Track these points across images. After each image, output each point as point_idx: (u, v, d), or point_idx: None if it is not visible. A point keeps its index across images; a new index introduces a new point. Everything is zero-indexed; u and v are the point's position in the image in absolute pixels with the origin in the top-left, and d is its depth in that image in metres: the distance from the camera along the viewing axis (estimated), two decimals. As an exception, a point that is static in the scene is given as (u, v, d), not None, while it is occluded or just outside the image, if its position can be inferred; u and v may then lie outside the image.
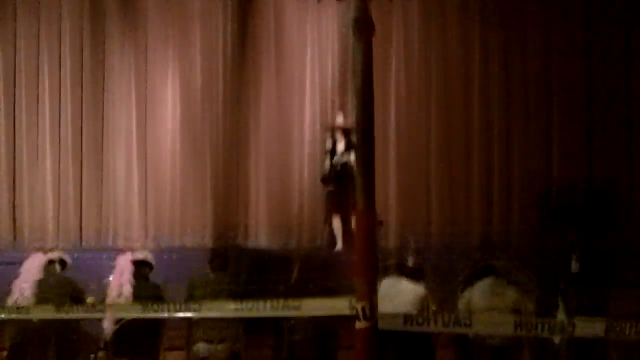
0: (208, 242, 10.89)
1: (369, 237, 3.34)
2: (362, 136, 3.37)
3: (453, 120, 11.37)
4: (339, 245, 10.43)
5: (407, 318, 4.58)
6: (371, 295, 3.35)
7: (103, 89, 11.19)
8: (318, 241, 10.98)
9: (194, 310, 4.15)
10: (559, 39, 11.32)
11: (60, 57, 11.14)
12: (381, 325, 3.73)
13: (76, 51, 11.15)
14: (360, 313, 3.37)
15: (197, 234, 11.03)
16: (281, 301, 4.00)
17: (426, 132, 11.35)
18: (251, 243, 11.05)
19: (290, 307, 4.08)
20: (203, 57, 11.29)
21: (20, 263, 8.27)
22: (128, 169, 11.18)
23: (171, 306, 4.87)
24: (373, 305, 3.35)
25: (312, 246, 10.90)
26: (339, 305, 3.90)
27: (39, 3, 11.15)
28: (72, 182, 11.08)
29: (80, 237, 10.95)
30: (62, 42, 11.14)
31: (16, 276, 7.30)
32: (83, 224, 11.06)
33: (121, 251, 7.65)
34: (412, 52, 11.40)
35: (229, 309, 3.90)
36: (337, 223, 10.50)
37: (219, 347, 6.71)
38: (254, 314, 4.08)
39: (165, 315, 5.01)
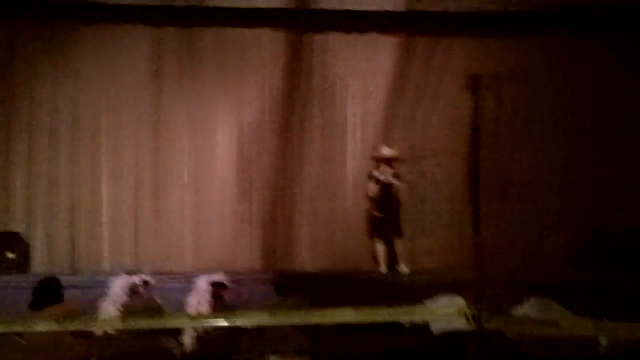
0: (257, 267, 11.49)
1: (476, 254, 3.99)
2: (472, 170, 4.02)
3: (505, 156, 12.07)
4: (383, 269, 11.12)
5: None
6: (480, 302, 3.98)
7: (160, 125, 11.82)
8: (361, 265, 11.57)
9: (310, 317, 4.53)
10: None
11: (120, 94, 11.77)
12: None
13: (135, 90, 11.79)
14: (470, 317, 4.00)
15: (247, 260, 11.61)
16: (398, 307, 4.48)
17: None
18: (298, 267, 11.63)
19: (407, 312, 4.56)
20: (254, 95, 11.97)
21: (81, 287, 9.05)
22: (182, 198, 11.79)
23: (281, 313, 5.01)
24: (482, 311, 3.98)
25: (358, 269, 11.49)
26: (449, 311, 4.45)
27: (100, 43, 11.77)
28: (129, 213, 11.69)
29: (137, 264, 11.29)
30: (123, 80, 11.76)
31: (102, 297, 7.90)
32: (138, 253, 11.65)
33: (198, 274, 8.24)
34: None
35: (349, 315, 4.34)
36: (380, 247, 11.21)
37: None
38: (373, 319, 4.53)
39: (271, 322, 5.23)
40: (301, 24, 12.07)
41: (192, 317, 5.94)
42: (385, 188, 11.13)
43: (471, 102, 4.08)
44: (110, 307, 7.71)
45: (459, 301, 6.71)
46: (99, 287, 8.93)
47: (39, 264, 11.33)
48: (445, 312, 4.61)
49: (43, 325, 5.37)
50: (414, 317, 4.65)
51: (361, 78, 12.11)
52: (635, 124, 12.07)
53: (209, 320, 5.03)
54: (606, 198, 12.01)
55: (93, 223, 11.62)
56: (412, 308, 4.73)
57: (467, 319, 3.96)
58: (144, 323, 5.17)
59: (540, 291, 7.39)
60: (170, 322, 5.19)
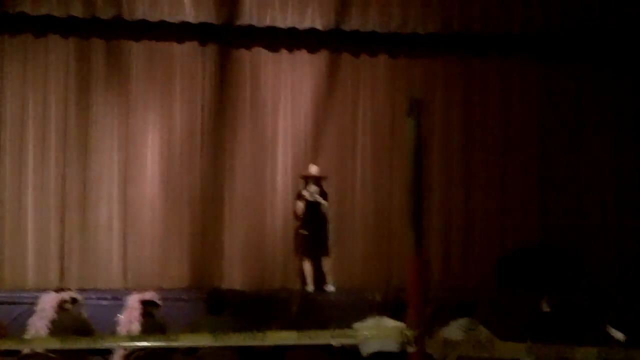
0: (186, 285, 11.45)
1: (419, 275, 4.11)
2: (414, 194, 4.13)
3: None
4: (310, 287, 11.24)
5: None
6: (421, 325, 4.09)
7: (87, 138, 11.66)
8: (289, 283, 11.71)
9: (254, 339, 4.56)
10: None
11: (45, 107, 11.60)
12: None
13: (61, 102, 11.62)
14: (412, 340, 4.11)
15: (175, 277, 11.54)
16: (336, 330, 4.53)
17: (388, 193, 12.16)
18: (226, 285, 11.51)
19: (347, 335, 4.62)
20: (183, 110, 11.90)
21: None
22: (110, 214, 11.63)
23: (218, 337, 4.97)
24: (423, 333, 4.09)
25: (286, 287, 11.59)
26: (392, 333, 4.56)
27: (25, 53, 11.62)
28: (55, 228, 11.49)
29: (62, 280, 11.19)
30: (47, 92, 11.61)
31: (30, 315, 7.81)
32: (64, 268, 11.45)
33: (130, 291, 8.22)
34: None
35: (291, 337, 4.39)
36: (308, 265, 11.33)
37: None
38: (316, 341, 4.58)
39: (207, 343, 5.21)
40: (230, 40, 12.11)
41: (132, 339, 5.90)
42: (313, 206, 11.25)
43: (412, 126, 4.19)
44: (38, 324, 7.64)
45: (394, 322, 6.90)
46: (24, 303, 8.93)
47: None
48: (386, 334, 4.71)
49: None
50: (355, 339, 4.73)
51: (290, 95, 12.19)
52: (562, 148, 12.45)
53: (149, 342, 5.01)
54: (532, 218, 12.32)
55: (18, 237, 11.42)
56: (353, 330, 4.80)
57: (409, 341, 4.07)
58: (81, 343, 5.13)
59: (464, 312, 7.59)
60: (109, 343, 5.16)
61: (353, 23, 11.90)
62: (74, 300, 7.89)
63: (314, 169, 11.45)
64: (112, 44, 11.88)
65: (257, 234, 11.92)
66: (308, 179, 11.40)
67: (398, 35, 12.06)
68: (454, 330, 7.41)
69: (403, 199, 11.75)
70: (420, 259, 4.06)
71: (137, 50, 11.94)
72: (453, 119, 12.41)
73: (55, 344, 5.57)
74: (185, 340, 4.72)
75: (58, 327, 7.50)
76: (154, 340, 4.98)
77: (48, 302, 7.77)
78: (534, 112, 12.48)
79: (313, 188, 11.28)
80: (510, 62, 12.51)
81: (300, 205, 11.31)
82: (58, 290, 8.11)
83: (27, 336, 7.48)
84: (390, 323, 7.10)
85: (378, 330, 5.57)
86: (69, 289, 8.20)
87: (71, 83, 11.70)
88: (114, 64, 11.81)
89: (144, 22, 11.64)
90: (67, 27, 11.69)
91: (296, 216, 11.47)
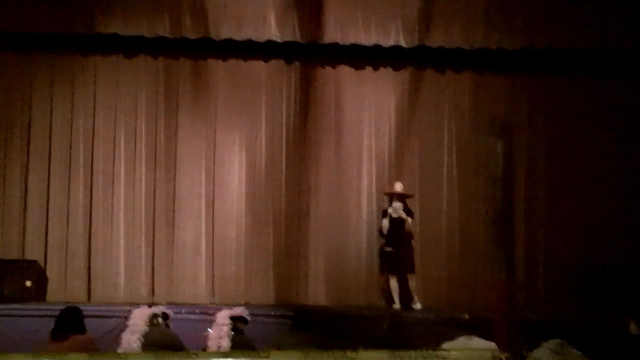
0: (270, 301, 11.51)
1: (508, 299, 4.11)
2: (504, 216, 4.14)
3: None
4: (397, 304, 11.20)
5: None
6: (512, 347, 4.09)
7: (175, 157, 11.93)
8: (374, 300, 11.68)
9: (346, 358, 4.58)
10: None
11: (135, 125, 11.91)
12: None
13: (150, 121, 11.93)
14: (505, 362, 4.11)
15: (260, 294, 11.65)
16: (430, 350, 4.56)
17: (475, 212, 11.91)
18: (311, 302, 11.63)
19: (439, 356, 4.64)
20: (268, 128, 12.06)
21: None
22: (197, 231, 11.84)
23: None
24: (515, 356, 4.09)
25: (371, 305, 11.57)
26: (483, 355, 4.56)
27: (117, 73, 11.97)
28: (144, 245, 11.76)
29: (152, 296, 11.54)
30: (137, 111, 11.93)
31: (122, 329, 8.03)
32: (154, 283, 11.71)
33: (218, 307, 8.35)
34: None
35: (382, 357, 4.43)
36: (394, 283, 11.29)
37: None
38: (406, 361, 4.61)
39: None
40: (313, 58, 12.21)
41: (224, 355, 6.01)
42: (398, 224, 11.23)
43: (502, 148, 4.20)
44: (130, 339, 7.84)
45: (484, 342, 6.82)
46: (115, 317, 9.17)
47: (54, 293, 11.41)
48: (478, 355, 4.69)
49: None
50: (447, 359, 4.72)
51: (373, 112, 12.22)
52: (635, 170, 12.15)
53: (241, 359, 5.09)
54: (617, 238, 11.95)
55: (109, 253, 11.72)
56: (444, 351, 4.81)
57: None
58: (174, 359, 5.24)
59: (553, 333, 7.47)
60: None
61: (437, 39, 11.85)
62: (164, 316, 8.05)
63: (398, 187, 11.46)
64: (199, 64, 12.13)
65: (341, 251, 11.93)
66: (393, 197, 11.41)
67: (483, 51, 11.96)
68: (545, 352, 7.28)
69: (489, 218, 11.56)
70: (509, 282, 4.06)
71: (223, 69, 12.15)
72: (538, 136, 12.25)
73: (150, 359, 5.67)
74: (277, 358, 4.77)
75: (149, 342, 7.68)
76: (246, 357, 5.04)
77: (140, 317, 7.96)
78: (623, 132, 12.18)
79: (397, 205, 11.27)
80: (597, 80, 12.25)
81: (385, 222, 11.30)
82: (150, 305, 8.29)
83: (120, 350, 7.70)
84: (480, 343, 7.00)
85: (469, 351, 5.53)
86: (161, 304, 8.37)
87: (160, 102, 12.00)
88: (200, 82, 12.05)
89: (229, 42, 11.80)
90: (155, 47, 11.99)
91: (381, 233, 11.46)
